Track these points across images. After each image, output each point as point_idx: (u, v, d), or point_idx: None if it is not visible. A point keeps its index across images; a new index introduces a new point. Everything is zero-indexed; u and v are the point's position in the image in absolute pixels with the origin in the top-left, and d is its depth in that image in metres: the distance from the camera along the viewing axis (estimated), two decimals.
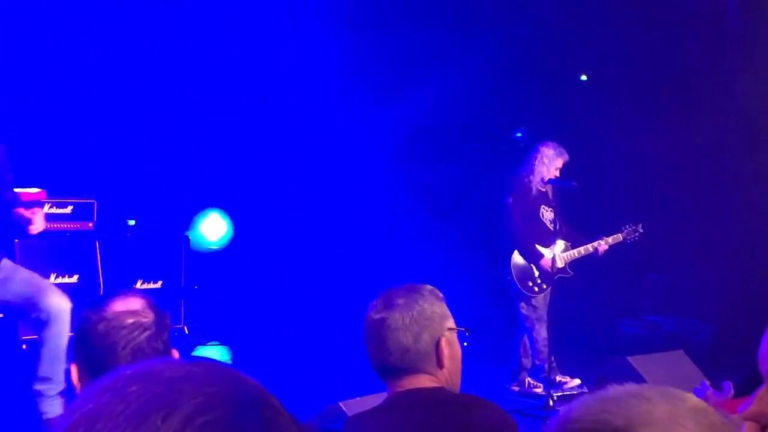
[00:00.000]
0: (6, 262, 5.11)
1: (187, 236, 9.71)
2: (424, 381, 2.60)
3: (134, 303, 2.40)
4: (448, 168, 10.45)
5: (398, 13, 10.31)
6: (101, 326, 2.34)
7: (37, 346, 5.18)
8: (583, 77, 10.36)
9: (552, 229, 7.44)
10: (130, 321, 2.35)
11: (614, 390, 1.03)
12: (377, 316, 2.63)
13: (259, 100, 10.65)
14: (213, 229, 10.75)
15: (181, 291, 9.44)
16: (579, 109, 10.08)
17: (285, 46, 10.56)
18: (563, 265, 7.60)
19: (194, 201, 10.58)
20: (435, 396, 2.59)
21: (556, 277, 7.46)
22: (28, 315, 5.13)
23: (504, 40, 10.01)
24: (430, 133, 10.60)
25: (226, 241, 10.81)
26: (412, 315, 2.61)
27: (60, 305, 4.98)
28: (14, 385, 7.33)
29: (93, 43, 9.83)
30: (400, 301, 2.63)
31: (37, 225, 5.03)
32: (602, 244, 7.68)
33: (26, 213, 5.01)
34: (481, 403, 2.63)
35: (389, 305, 2.63)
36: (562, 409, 1.06)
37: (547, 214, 7.60)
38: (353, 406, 4.36)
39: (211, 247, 10.66)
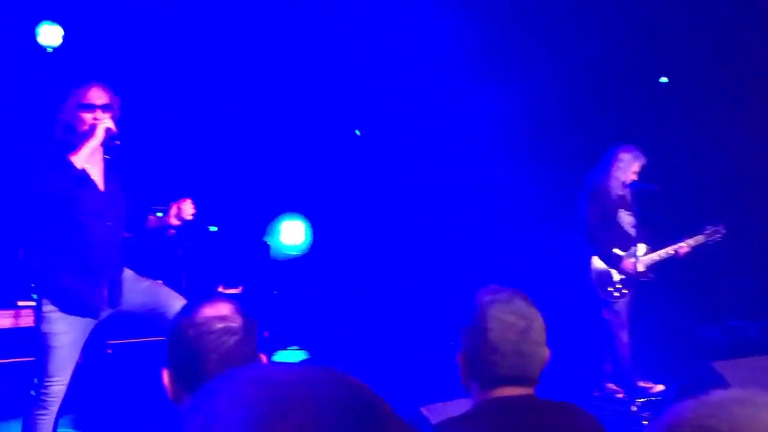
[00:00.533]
0: (127, 272, 5.16)
1: (267, 242, 9.80)
2: (521, 389, 2.57)
3: (223, 308, 2.45)
4: (532, 168, 10.37)
5: (469, 16, 10.27)
6: (191, 331, 2.40)
7: None
8: (664, 79, 10.22)
9: (632, 233, 7.36)
10: (220, 326, 2.40)
11: (718, 395, 1.02)
12: (522, 324, 2.57)
13: (336, 101, 10.68)
14: (292, 234, 10.82)
15: (261, 296, 9.53)
16: (660, 110, 9.96)
17: (360, 45, 10.57)
18: (644, 269, 7.50)
19: (274, 207, 10.66)
20: (528, 403, 2.57)
21: (637, 281, 7.37)
22: (154, 324, 5.18)
23: (584, 43, 9.92)
24: (517, 134, 10.53)
25: (305, 246, 10.88)
26: (542, 325, 2.59)
27: None
28: (99, 388, 7.47)
29: (174, 44, 9.97)
30: (532, 311, 2.58)
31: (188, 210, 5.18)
32: (683, 247, 7.56)
33: (179, 206, 5.16)
34: (572, 409, 2.60)
35: (525, 315, 2.57)
36: (664, 413, 1.05)
37: (626, 218, 7.51)
38: (436, 411, 4.36)
39: (290, 253, 10.73)
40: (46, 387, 4.82)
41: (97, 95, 4.96)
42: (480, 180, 10.73)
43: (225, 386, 0.93)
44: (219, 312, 2.43)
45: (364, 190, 10.87)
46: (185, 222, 5.27)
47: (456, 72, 10.38)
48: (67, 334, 4.84)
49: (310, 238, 10.90)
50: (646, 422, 6.39)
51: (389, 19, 10.30)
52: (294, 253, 10.78)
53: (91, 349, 8.36)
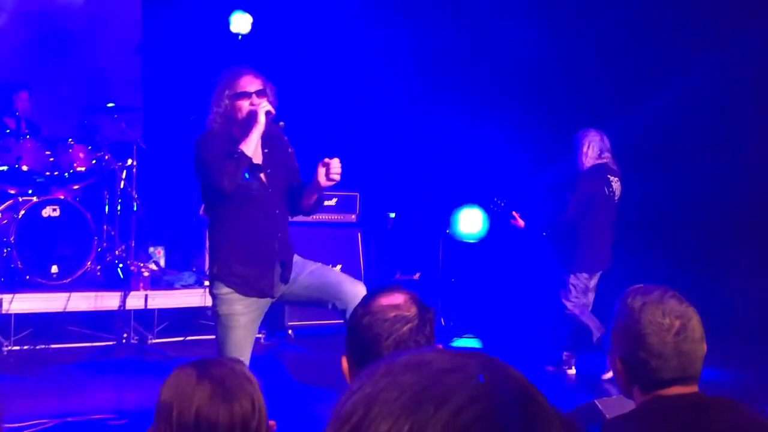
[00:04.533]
0: (296, 258, 5.18)
1: (445, 229, 9.86)
2: (685, 388, 2.51)
3: (398, 297, 2.51)
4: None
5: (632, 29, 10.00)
6: (366, 319, 2.47)
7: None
8: None
9: None
10: (393, 314, 2.46)
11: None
12: (678, 324, 2.49)
13: (511, 91, 10.62)
14: (470, 223, 10.86)
15: (438, 283, 9.61)
16: None
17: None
18: None
19: (452, 195, 10.73)
20: (694, 401, 2.50)
21: None
22: (325, 306, 5.18)
23: (731, 58, 9.48)
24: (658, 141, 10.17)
25: (482, 234, 10.89)
26: (698, 320, 2.51)
27: (357, 291, 4.92)
28: (280, 371, 7.71)
29: (357, 38, 10.16)
30: (685, 308, 2.50)
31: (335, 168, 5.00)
32: None
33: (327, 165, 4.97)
34: (739, 406, 2.51)
35: (679, 314, 2.48)
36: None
37: None
38: (610, 405, 4.31)
39: (468, 241, 10.77)
40: None
41: (250, 82, 4.89)
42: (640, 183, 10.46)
43: (384, 371, 0.97)
44: (393, 301, 2.49)
45: (541, 178, 10.78)
46: (336, 184, 5.10)
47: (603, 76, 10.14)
48: (244, 315, 4.88)
49: (486, 226, 10.90)
50: None
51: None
52: (471, 240, 10.81)
53: (271, 330, 8.65)
